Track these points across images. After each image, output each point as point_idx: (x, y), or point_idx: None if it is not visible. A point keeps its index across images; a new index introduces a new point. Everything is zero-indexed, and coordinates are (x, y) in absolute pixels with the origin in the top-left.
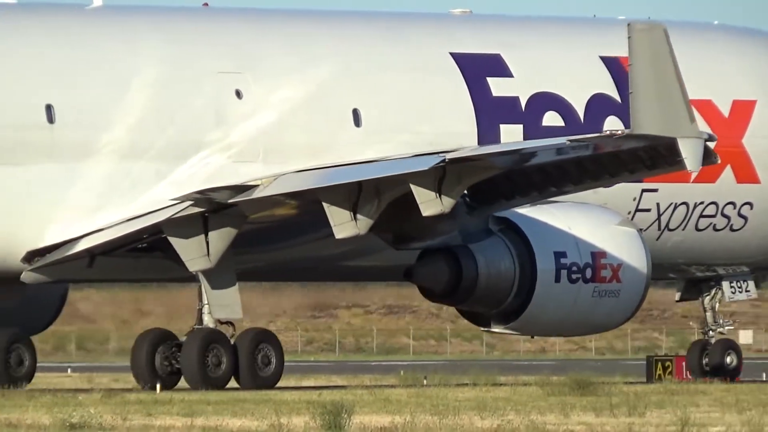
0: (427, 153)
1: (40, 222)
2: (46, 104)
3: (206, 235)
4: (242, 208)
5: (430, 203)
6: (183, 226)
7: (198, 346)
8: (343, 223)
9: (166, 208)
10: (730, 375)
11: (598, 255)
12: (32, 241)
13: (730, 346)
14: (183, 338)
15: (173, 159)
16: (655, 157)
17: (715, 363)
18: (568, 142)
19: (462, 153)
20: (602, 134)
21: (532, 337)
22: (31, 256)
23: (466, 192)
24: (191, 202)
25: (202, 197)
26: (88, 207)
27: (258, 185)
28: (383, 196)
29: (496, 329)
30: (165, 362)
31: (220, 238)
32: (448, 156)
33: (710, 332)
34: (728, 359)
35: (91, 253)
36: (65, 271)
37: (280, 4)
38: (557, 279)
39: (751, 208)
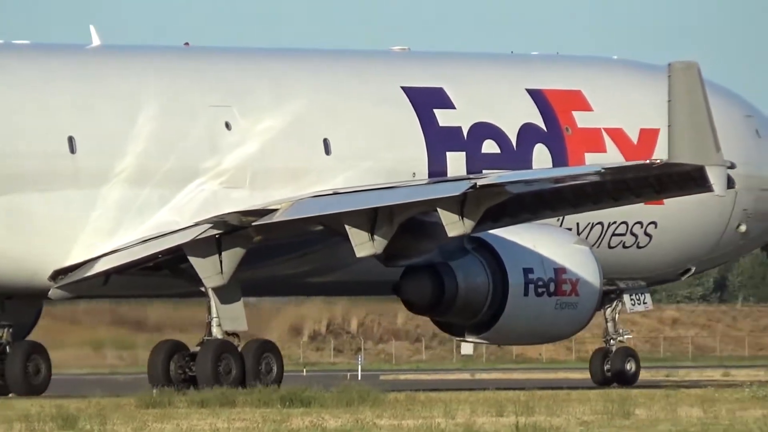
0: (453, 179)
1: (64, 243)
2: (68, 136)
3: (220, 255)
4: (255, 230)
5: (454, 225)
6: (200, 246)
7: (211, 355)
8: (363, 243)
9: (185, 230)
10: (629, 381)
11: (559, 271)
12: (58, 261)
13: (630, 353)
14: (194, 349)
15: (174, 185)
16: (664, 182)
17: (617, 370)
18: (603, 170)
19: (491, 180)
20: (640, 163)
21: (500, 345)
22: (57, 274)
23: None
24: (211, 225)
25: (220, 220)
26: (104, 229)
27: (278, 209)
28: (396, 219)
29: (470, 339)
30: (179, 370)
31: (232, 257)
32: (479, 182)
33: (611, 341)
34: (628, 366)
35: (108, 272)
36: (84, 287)
37: (255, 43)
38: (526, 293)
39: (656, 227)
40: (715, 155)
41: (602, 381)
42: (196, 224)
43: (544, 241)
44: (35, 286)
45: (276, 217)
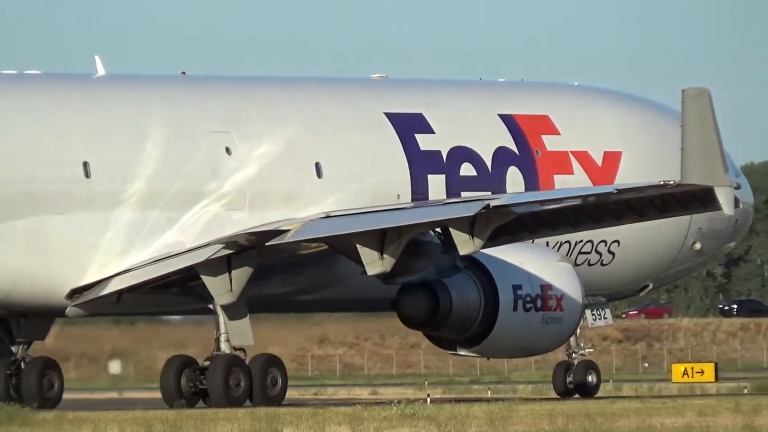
0: (464, 200)
1: (80, 263)
2: (83, 161)
3: (230, 273)
4: (264, 250)
5: (465, 244)
6: (212, 265)
7: (222, 369)
8: (374, 262)
9: (196, 250)
10: (591, 392)
11: (545, 287)
12: (74, 280)
13: (591, 366)
14: (204, 363)
15: (180, 207)
16: (667, 202)
17: (579, 381)
18: (616, 191)
19: (504, 201)
20: (653, 184)
21: (488, 359)
22: (73, 293)
23: (440, 233)
24: (223, 245)
25: (233, 240)
26: (117, 250)
27: (289, 230)
28: (403, 239)
29: (462, 352)
30: (190, 384)
31: (241, 275)
32: (492, 203)
33: (573, 354)
34: (590, 378)
35: (120, 291)
36: (98, 306)
37: (248, 72)
38: (515, 308)
39: (618, 245)
40: (724, 176)
41: (564, 392)
42: (208, 245)
43: (530, 259)
44: (53, 305)
45: (288, 238)
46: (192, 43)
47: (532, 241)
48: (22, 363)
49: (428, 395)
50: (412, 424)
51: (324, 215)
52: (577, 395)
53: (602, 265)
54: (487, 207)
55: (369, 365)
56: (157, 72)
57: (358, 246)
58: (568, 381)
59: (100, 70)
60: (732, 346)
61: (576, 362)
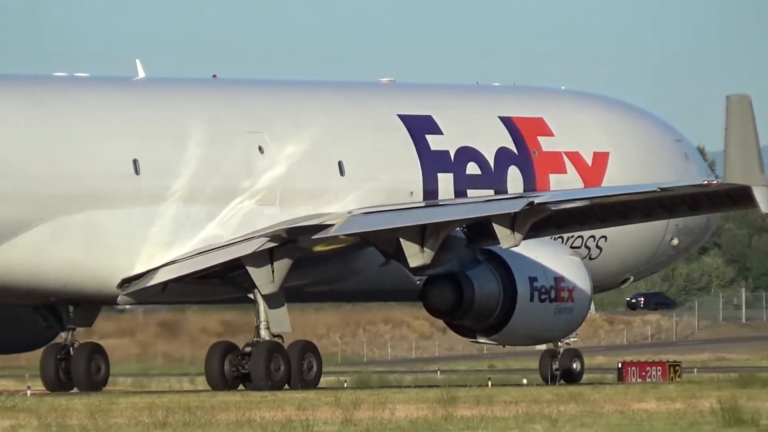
0: (506, 197)
1: (130, 255)
2: (133, 159)
3: (272, 265)
4: (306, 243)
5: (507, 238)
6: (257, 258)
7: (264, 355)
8: (415, 254)
9: (241, 243)
10: (576, 379)
11: (558, 279)
12: (124, 271)
13: (576, 354)
14: (245, 349)
15: (219, 203)
16: (699, 200)
17: (564, 368)
18: (659, 190)
19: (547, 198)
20: (696, 183)
21: (504, 346)
22: (123, 282)
23: (465, 228)
24: (268, 238)
25: (278, 233)
26: (162, 242)
27: (333, 224)
28: (441, 234)
29: (481, 340)
30: (233, 368)
31: (282, 267)
32: (536, 200)
33: (559, 343)
34: (574, 365)
35: (168, 281)
36: (146, 294)
37: (276, 76)
38: (531, 299)
39: (606, 241)
40: (760, 177)
41: (549, 378)
42: (251, 238)
43: (544, 253)
44: (104, 294)
45: (333, 231)
46: (216, 50)
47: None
48: (71, 348)
49: (28, 387)
50: (12, 416)
51: (348, 212)
52: (562, 381)
53: (590, 258)
54: (531, 204)
55: None
56: (190, 75)
57: (401, 240)
58: (553, 368)
59: (141, 73)
60: (333, 340)
61: (562, 350)
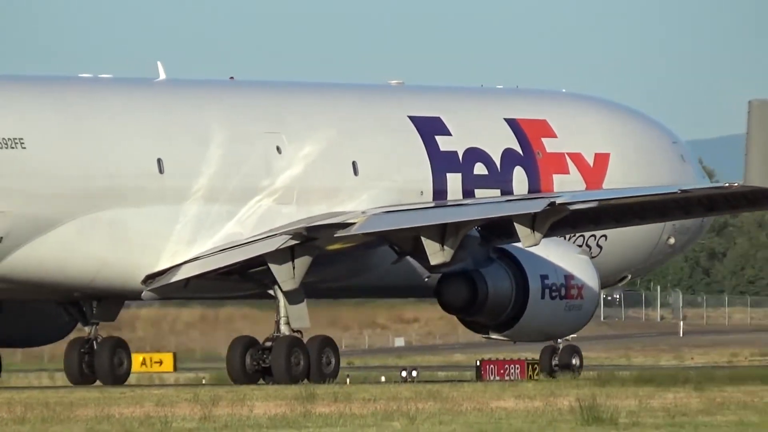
0: (527, 197)
1: (154, 252)
2: (157, 158)
3: (293, 262)
4: (325, 241)
5: (528, 237)
6: (279, 255)
7: (285, 349)
8: (436, 253)
9: (263, 240)
10: (574, 373)
11: (568, 277)
12: (149, 267)
13: (575, 350)
14: (265, 344)
15: (238, 202)
16: (715, 201)
17: (564, 363)
18: (680, 192)
19: (568, 199)
20: (716, 185)
21: (515, 342)
22: (147, 278)
23: (479, 227)
24: (290, 236)
25: (300, 231)
26: (186, 240)
27: (354, 223)
28: (461, 232)
29: (493, 336)
30: (253, 362)
31: (302, 264)
32: (558, 201)
33: (558, 339)
34: (574, 360)
35: (189, 277)
36: (169, 290)
37: (292, 77)
38: (542, 296)
39: (606, 239)
40: None
41: (550, 372)
42: (272, 236)
43: (554, 252)
44: (129, 289)
45: (354, 230)
46: (231, 52)
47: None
48: (94, 342)
49: None
50: None
51: (362, 212)
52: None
53: (591, 257)
54: (552, 204)
55: None
56: (208, 77)
57: (422, 238)
58: (553, 363)
59: (162, 75)
60: (191, 336)
61: (561, 346)
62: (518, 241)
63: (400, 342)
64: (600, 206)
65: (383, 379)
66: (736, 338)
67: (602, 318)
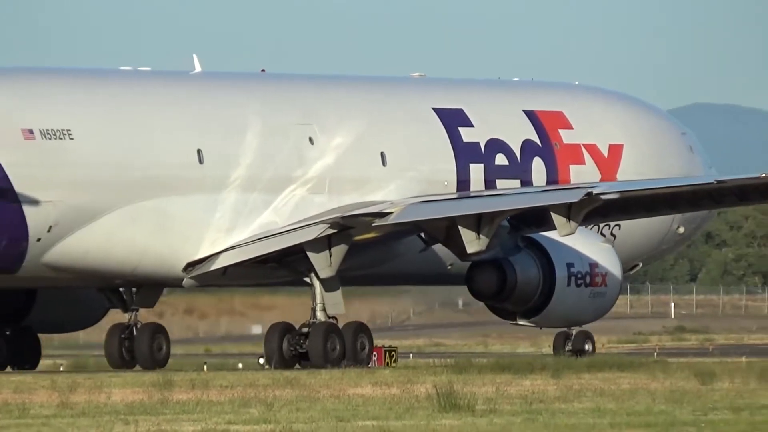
0: (564, 187)
1: (195, 240)
2: (197, 149)
3: (329, 250)
4: (360, 230)
5: (564, 226)
6: (317, 243)
7: (321, 335)
8: (472, 241)
9: (302, 229)
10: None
11: (593, 265)
12: (190, 255)
13: (588, 336)
14: (303, 330)
15: (274, 191)
16: (746, 192)
17: (577, 349)
18: (716, 182)
19: (605, 189)
20: (752, 176)
21: (541, 328)
22: (188, 266)
23: (509, 217)
24: (328, 225)
25: (337, 221)
26: (225, 228)
27: (392, 212)
28: (496, 221)
29: (521, 322)
30: (291, 348)
31: (339, 252)
32: (595, 191)
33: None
34: (586, 346)
35: (228, 265)
36: (209, 278)
37: (320, 71)
38: (569, 284)
39: (619, 229)
40: None
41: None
42: (310, 224)
43: (578, 241)
44: (171, 277)
45: (392, 219)
46: (262, 46)
47: None
48: (134, 328)
49: None
50: None
51: (389, 202)
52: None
53: None
54: (589, 194)
55: None
56: (241, 70)
57: (459, 227)
58: (567, 348)
59: (197, 68)
60: None
61: (574, 332)
62: (547, 229)
63: (257, 329)
64: (635, 196)
65: (240, 366)
66: (595, 326)
67: (460, 305)
